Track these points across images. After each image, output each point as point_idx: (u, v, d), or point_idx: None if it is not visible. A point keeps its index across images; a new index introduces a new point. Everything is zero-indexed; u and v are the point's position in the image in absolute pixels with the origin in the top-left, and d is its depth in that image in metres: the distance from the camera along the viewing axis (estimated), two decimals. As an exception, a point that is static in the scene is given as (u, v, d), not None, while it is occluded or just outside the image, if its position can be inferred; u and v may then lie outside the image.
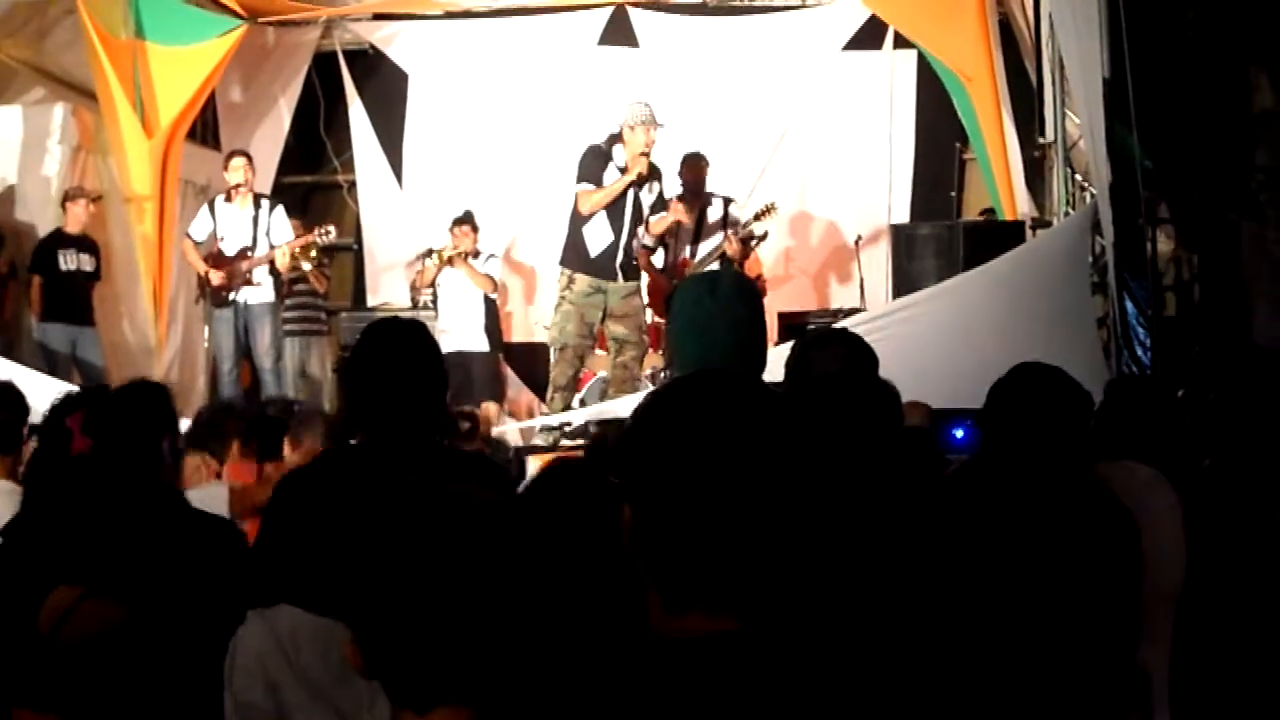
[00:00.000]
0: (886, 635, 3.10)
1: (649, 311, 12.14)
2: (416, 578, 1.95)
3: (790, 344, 4.40)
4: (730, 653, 1.93)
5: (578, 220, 11.23)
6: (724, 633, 1.95)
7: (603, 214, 11.10)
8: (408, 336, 4.12)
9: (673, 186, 12.26)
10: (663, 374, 11.31)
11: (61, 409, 5.37)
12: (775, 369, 4.23)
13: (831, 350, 4.15)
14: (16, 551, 3.57)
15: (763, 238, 12.57)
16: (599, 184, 11.10)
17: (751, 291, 4.12)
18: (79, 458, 3.96)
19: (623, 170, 11.08)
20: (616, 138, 11.20)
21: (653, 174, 11.34)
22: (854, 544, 3.30)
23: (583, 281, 11.15)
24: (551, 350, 11.50)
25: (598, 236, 11.14)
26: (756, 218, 11.89)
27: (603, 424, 8.61)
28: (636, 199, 11.23)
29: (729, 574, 1.96)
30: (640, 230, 11.33)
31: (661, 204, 11.50)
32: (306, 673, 3.21)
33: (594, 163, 11.14)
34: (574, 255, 11.27)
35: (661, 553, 1.97)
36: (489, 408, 12.62)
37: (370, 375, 4.03)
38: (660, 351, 11.72)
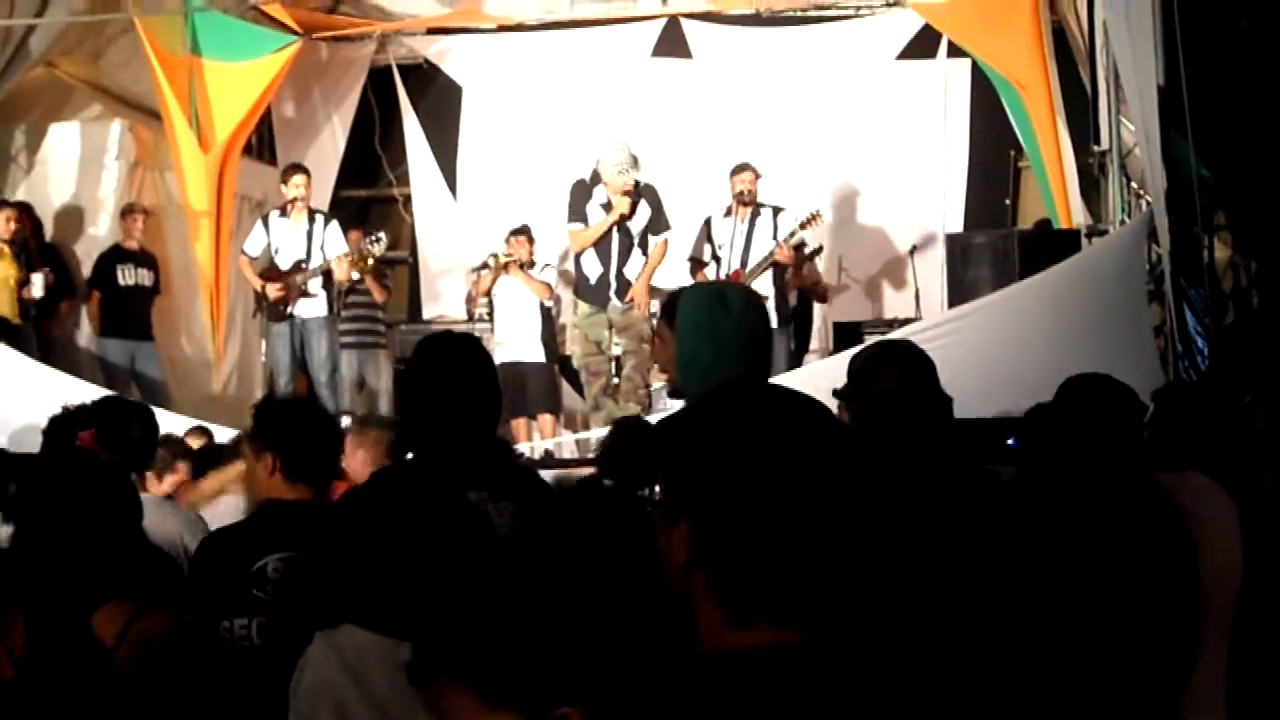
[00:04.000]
0: (948, 646, 3.10)
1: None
2: (485, 593, 1.96)
3: (848, 354, 4.41)
4: (797, 663, 1.94)
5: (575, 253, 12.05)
6: (789, 644, 1.96)
7: (592, 247, 11.71)
8: (461, 351, 4.12)
9: (696, 197, 12.82)
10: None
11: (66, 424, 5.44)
12: (831, 378, 4.23)
13: (887, 370, 4.12)
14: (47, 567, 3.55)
15: (817, 251, 12.61)
16: (584, 221, 11.73)
17: (759, 304, 4.16)
18: (107, 468, 3.97)
19: (605, 206, 11.63)
20: (599, 173, 11.72)
21: (640, 200, 11.71)
22: (914, 555, 3.31)
23: (584, 306, 11.86)
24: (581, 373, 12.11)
25: (590, 268, 11.80)
26: (802, 226, 11.87)
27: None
28: (625, 228, 11.70)
29: (797, 584, 1.97)
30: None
31: (655, 227, 11.76)
32: (374, 693, 3.19)
33: (578, 201, 11.77)
34: (577, 283, 12.05)
35: (728, 565, 1.98)
36: (545, 419, 12.62)
37: (424, 390, 4.04)
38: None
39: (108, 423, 5.53)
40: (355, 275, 12.70)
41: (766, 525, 1.96)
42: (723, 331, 3.98)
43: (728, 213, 12.08)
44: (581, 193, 11.78)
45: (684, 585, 2.00)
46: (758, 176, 12.06)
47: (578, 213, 11.77)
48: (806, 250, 12.25)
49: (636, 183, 11.62)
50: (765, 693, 1.91)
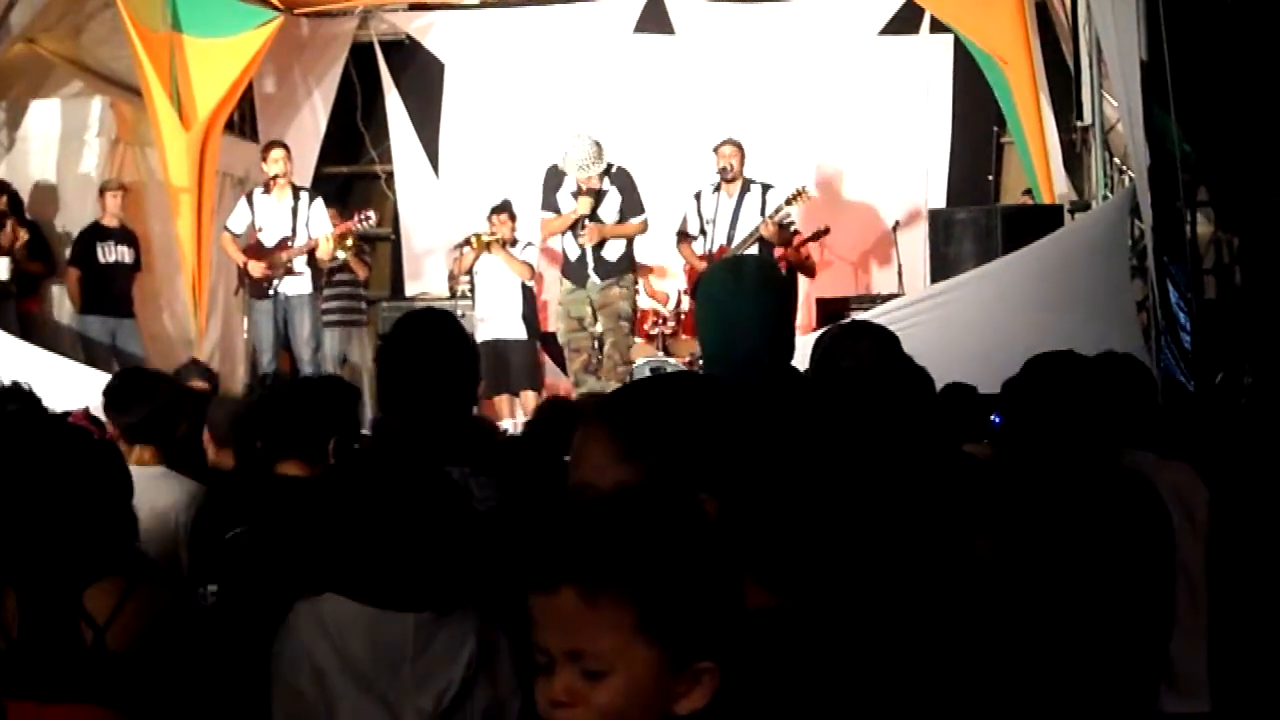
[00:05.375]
0: (920, 616, 3.12)
1: (685, 298, 12.83)
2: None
3: (816, 334, 4.38)
4: (776, 626, 1.99)
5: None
6: (768, 607, 2.01)
7: (570, 230, 11.78)
8: (438, 327, 4.13)
9: (682, 175, 12.94)
10: (699, 361, 11.41)
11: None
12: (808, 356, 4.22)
13: (860, 345, 4.11)
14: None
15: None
16: (554, 209, 11.80)
17: (776, 278, 4.11)
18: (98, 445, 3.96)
19: (575, 194, 11.69)
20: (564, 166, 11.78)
21: (611, 184, 11.75)
22: (889, 529, 3.32)
23: (567, 283, 11.95)
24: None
25: (570, 249, 11.86)
26: (788, 202, 11.88)
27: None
28: (597, 215, 11.73)
29: (780, 554, 2.05)
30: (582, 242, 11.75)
31: (628, 210, 11.79)
32: (353, 661, 3.22)
33: (549, 189, 11.84)
34: (561, 261, 12.12)
35: (759, 540, 2.04)
36: (527, 396, 12.63)
37: (400, 365, 4.05)
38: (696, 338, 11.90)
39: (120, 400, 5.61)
40: (340, 255, 12.68)
41: (791, 505, 2.07)
42: (735, 309, 3.85)
43: (716, 188, 12.09)
44: (553, 179, 11.82)
45: None
46: (742, 151, 12.07)
47: (549, 200, 11.83)
48: (793, 228, 12.27)
49: (609, 166, 11.63)
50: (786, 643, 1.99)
